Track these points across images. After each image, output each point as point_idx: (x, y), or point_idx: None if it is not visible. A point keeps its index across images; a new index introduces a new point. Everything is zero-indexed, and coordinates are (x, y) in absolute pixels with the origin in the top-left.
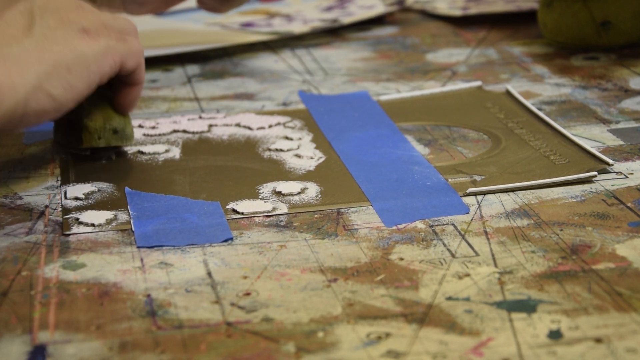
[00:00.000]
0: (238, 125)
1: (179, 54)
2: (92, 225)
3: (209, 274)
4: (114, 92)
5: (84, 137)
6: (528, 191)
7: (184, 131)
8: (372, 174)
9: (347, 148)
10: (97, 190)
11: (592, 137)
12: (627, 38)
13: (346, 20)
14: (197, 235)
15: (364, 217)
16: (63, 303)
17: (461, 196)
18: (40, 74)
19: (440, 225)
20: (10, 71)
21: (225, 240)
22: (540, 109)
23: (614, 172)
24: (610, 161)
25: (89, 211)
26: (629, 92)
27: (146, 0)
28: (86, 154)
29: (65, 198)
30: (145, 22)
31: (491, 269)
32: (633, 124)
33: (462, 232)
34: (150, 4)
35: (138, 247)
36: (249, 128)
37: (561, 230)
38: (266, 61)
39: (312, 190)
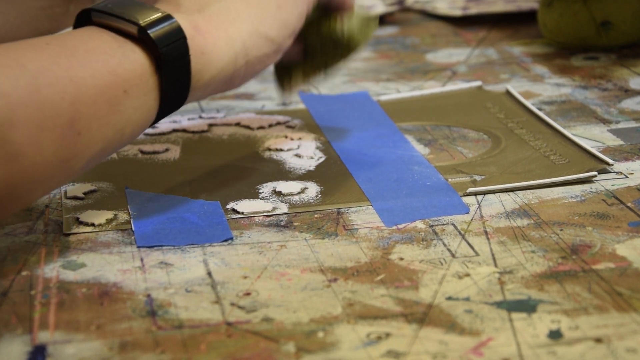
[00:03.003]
0: (238, 125)
1: None
2: (92, 225)
3: (209, 273)
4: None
5: (354, 42)
6: (528, 191)
7: (184, 131)
8: (372, 174)
9: (347, 148)
10: (97, 189)
11: (592, 137)
12: (627, 38)
13: None
14: (197, 235)
15: (364, 217)
16: (63, 303)
17: (461, 196)
18: (253, 19)
19: (440, 225)
20: (224, 24)
21: (225, 240)
22: (540, 109)
23: (614, 172)
24: (610, 161)
25: (89, 211)
26: (629, 92)
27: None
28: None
29: (65, 197)
30: None
31: (491, 269)
32: (633, 124)
33: (462, 232)
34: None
35: (138, 247)
36: (249, 128)
37: (561, 230)
38: None
39: (312, 190)
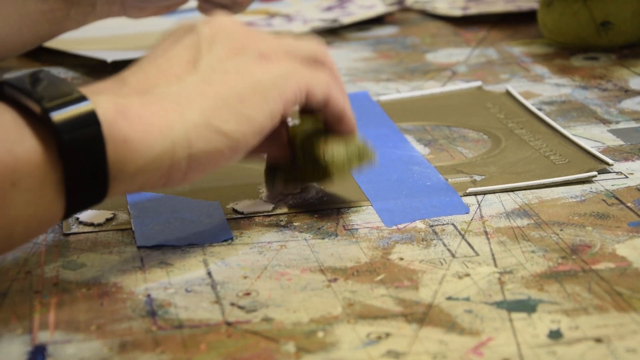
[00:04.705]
0: None
1: None
2: (92, 225)
3: (209, 273)
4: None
5: (333, 171)
6: (528, 191)
7: None
8: (372, 174)
9: None
10: None
11: (592, 137)
12: (627, 38)
13: (346, 20)
14: (197, 235)
15: (364, 217)
16: (63, 303)
17: (461, 196)
18: (205, 110)
19: (440, 225)
20: (167, 110)
21: (225, 240)
22: (540, 109)
23: (614, 172)
24: (610, 161)
25: (89, 211)
26: (629, 92)
27: (146, 5)
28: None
29: None
30: (146, 23)
31: (491, 269)
32: (633, 124)
33: (462, 232)
34: (150, 8)
35: (138, 247)
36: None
37: (561, 230)
38: None
39: (312, 190)
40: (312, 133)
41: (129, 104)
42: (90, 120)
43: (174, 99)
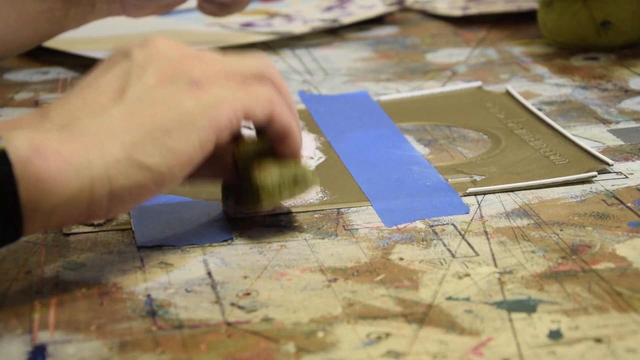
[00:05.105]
0: None
1: None
2: (92, 225)
3: (209, 273)
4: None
5: (263, 197)
6: (528, 191)
7: None
8: (372, 174)
9: (347, 148)
10: None
11: (592, 137)
12: (627, 38)
13: (346, 20)
14: (197, 235)
15: (364, 217)
16: (63, 303)
17: (461, 196)
18: (127, 144)
19: (440, 225)
20: (86, 146)
21: (225, 240)
22: (540, 109)
23: (614, 172)
24: (610, 161)
25: None
26: (629, 92)
27: (146, 4)
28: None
29: None
30: (145, 23)
31: (491, 269)
32: (633, 124)
33: (462, 232)
34: (149, 7)
35: (138, 247)
36: (249, 128)
37: (561, 230)
38: None
39: (312, 190)
40: (255, 154)
41: (46, 140)
42: (1, 161)
43: (95, 132)
